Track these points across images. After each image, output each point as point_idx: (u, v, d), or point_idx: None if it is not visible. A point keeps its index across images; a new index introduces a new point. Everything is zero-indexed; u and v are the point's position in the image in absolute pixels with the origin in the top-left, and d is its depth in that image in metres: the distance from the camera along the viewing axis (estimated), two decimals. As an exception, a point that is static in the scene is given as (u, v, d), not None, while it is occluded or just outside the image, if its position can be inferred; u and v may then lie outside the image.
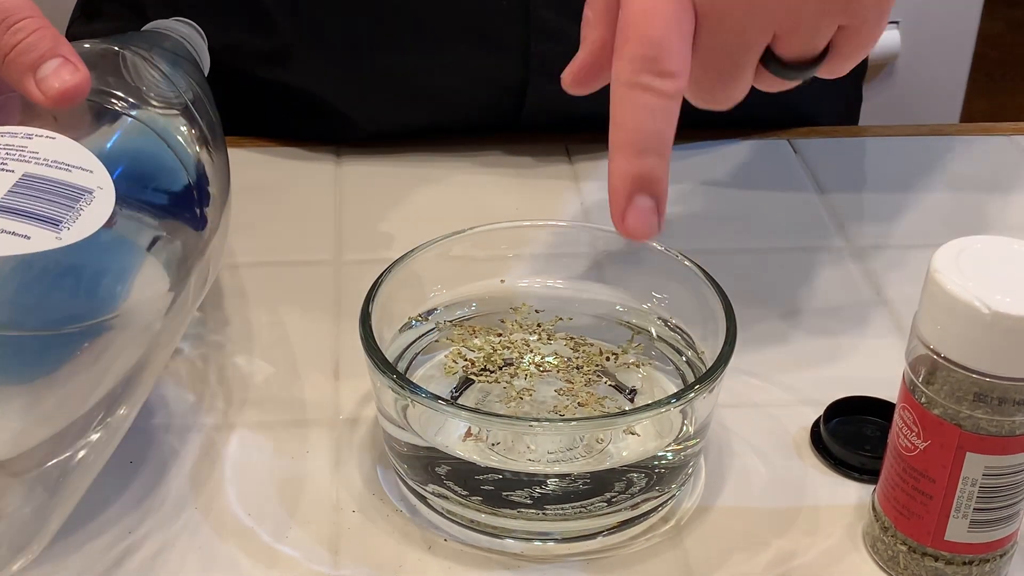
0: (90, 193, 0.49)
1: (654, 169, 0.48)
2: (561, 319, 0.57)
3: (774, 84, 0.53)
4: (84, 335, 0.47)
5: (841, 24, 0.51)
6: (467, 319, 0.57)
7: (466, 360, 0.55)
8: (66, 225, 0.47)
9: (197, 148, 0.56)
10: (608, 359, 0.55)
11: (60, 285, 0.48)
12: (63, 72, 0.51)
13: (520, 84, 0.74)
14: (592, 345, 0.56)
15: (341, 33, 0.72)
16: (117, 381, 0.48)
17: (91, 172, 0.50)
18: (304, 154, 0.75)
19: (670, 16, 0.48)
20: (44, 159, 0.50)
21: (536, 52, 0.72)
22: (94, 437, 0.47)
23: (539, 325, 0.57)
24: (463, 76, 0.73)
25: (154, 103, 0.55)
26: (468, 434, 0.50)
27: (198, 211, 0.54)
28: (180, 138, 0.55)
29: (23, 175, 0.49)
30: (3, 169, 0.49)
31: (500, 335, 0.56)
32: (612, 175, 0.48)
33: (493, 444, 0.51)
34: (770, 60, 0.51)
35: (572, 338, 0.56)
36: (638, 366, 0.55)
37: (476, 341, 0.56)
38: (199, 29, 0.63)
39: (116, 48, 0.57)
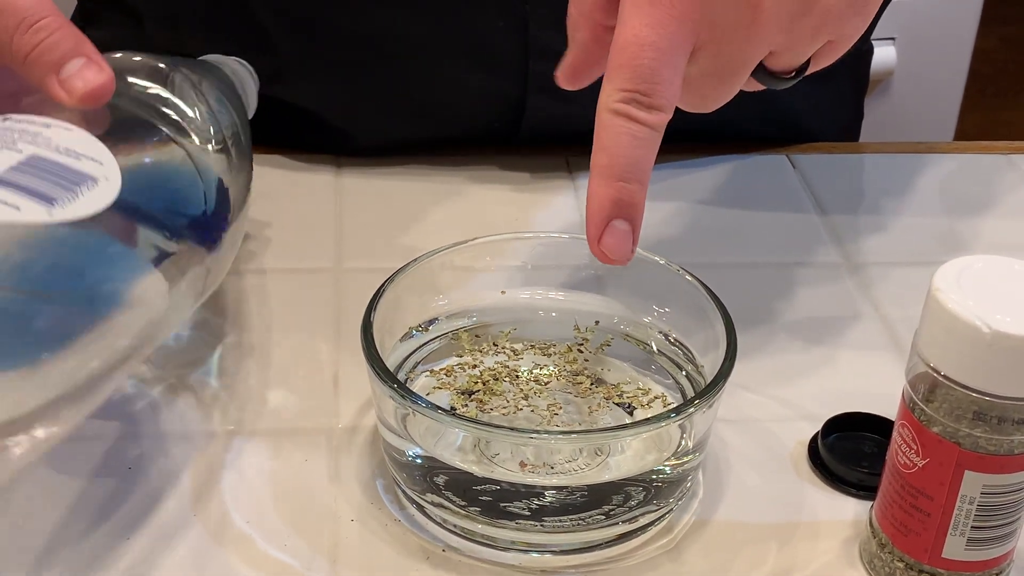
0: (93, 180, 0.49)
1: (633, 196, 0.49)
2: (581, 336, 0.57)
3: (756, 87, 0.54)
4: (77, 324, 0.47)
5: (829, 39, 0.52)
6: (468, 329, 0.57)
7: (466, 371, 0.55)
8: (60, 204, 0.47)
9: (223, 178, 0.56)
10: (613, 385, 0.55)
11: (66, 266, 0.48)
12: (87, 72, 0.51)
13: (519, 101, 0.74)
14: (607, 368, 0.56)
15: (339, 51, 0.72)
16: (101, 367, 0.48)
17: (100, 164, 0.50)
18: (305, 163, 0.75)
19: (666, 47, 0.48)
20: (56, 145, 0.49)
21: (534, 71, 0.72)
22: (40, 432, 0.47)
23: (557, 340, 0.57)
24: (462, 93, 0.74)
25: (191, 130, 0.56)
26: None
27: (213, 235, 0.55)
28: (208, 165, 0.56)
29: (30, 156, 0.49)
30: (12, 149, 0.49)
31: (501, 346, 0.56)
32: (591, 198, 0.49)
33: (492, 455, 0.51)
34: (758, 70, 0.52)
35: (574, 350, 0.57)
36: (639, 397, 0.55)
37: (476, 352, 0.56)
38: (253, 73, 0.63)
39: (166, 68, 0.57)
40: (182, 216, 0.53)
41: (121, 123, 0.54)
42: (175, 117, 0.55)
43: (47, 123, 0.50)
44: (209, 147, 0.56)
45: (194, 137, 0.56)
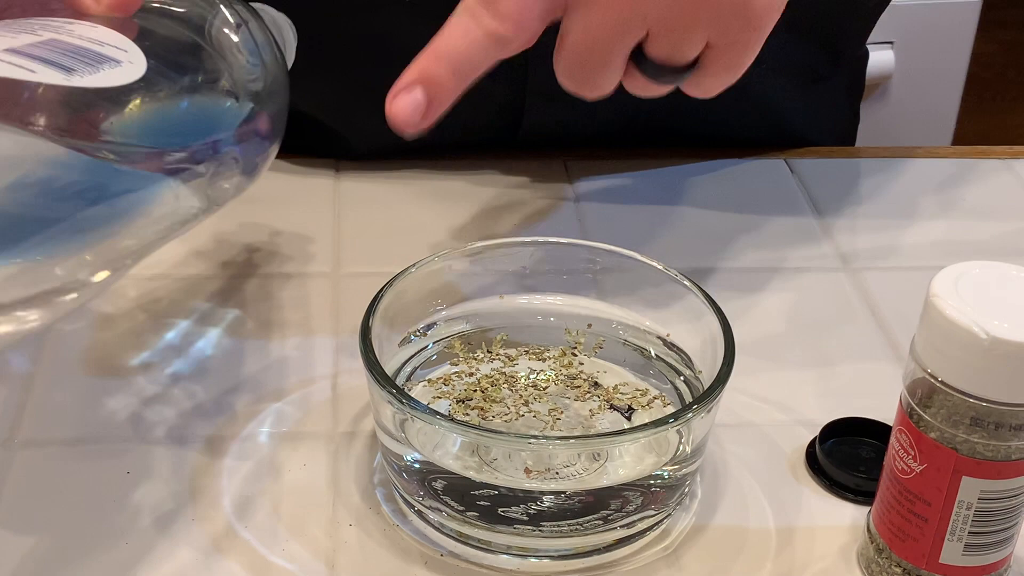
0: (116, 62, 0.47)
1: (443, 78, 0.51)
2: (582, 341, 0.57)
3: (643, 87, 0.54)
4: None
5: (709, 40, 0.52)
6: (466, 334, 0.57)
7: (463, 379, 0.55)
8: (79, 74, 0.46)
9: (253, 102, 0.54)
10: (610, 388, 0.55)
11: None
12: None
13: (517, 106, 0.74)
14: (603, 370, 0.56)
15: (337, 55, 0.72)
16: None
17: (124, 51, 0.48)
18: (303, 168, 0.75)
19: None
20: (79, 35, 0.48)
21: (533, 75, 0.72)
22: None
23: (549, 344, 0.57)
24: (460, 97, 0.74)
25: (226, 53, 0.54)
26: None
27: (236, 163, 0.53)
28: (240, 85, 0.54)
29: (50, 39, 0.47)
30: (32, 33, 0.47)
31: (495, 353, 0.56)
32: (410, 66, 0.52)
33: (491, 460, 0.51)
34: (641, 60, 0.53)
35: (568, 354, 0.57)
36: (638, 398, 0.55)
37: (471, 360, 0.56)
38: (293, 27, 0.61)
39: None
40: (202, 132, 0.52)
41: (153, 36, 0.52)
42: (211, 38, 0.54)
43: (70, 21, 0.49)
44: (241, 69, 0.54)
45: (227, 57, 0.54)
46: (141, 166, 0.49)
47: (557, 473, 0.51)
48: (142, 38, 0.51)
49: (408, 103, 0.51)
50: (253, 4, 0.60)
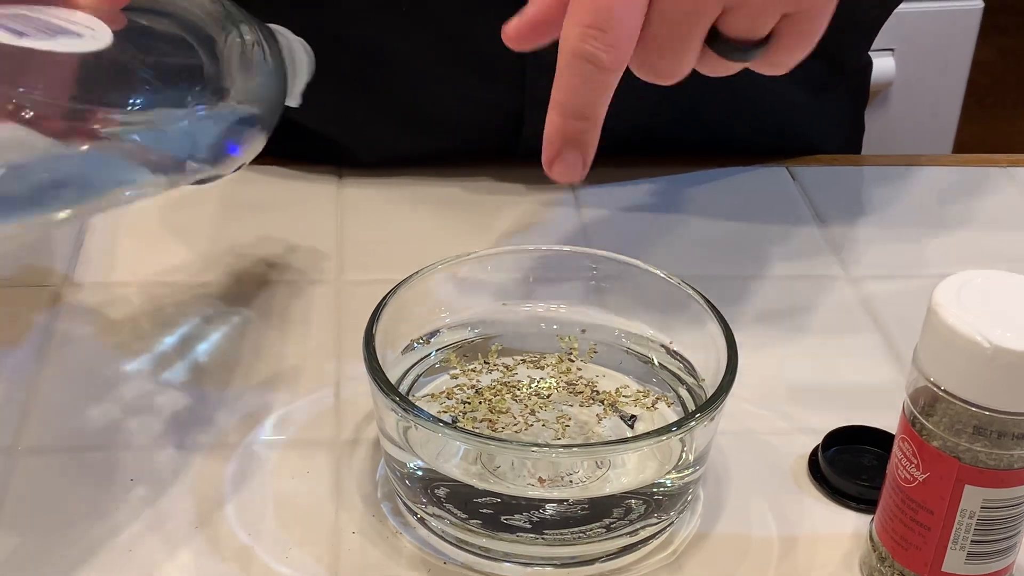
0: (78, 36, 0.47)
1: (584, 132, 0.52)
2: (576, 347, 0.57)
3: (717, 66, 0.54)
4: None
5: (786, 12, 0.52)
6: (469, 342, 0.57)
7: (465, 391, 0.55)
8: (31, 38, 0.46)
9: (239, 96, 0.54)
10: (612, 391, 0.55)
11: None
12: None
13: (517, 114, 0.74)
14: (601, 375, 0.56)
15: (339, 64, 0.72)
16: None
17: (92, 29, 0.48)
18: (306, 175, 0.75)
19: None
20: (50, 13, 0.48)
21: (532, 83, 0.72)
22: None
23: (545, 352, 0.57)
24: (461, 106, 0.74)
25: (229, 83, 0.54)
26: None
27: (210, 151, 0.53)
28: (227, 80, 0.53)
29: (14, 13, 0.47)
30: (4, 9, 0.47)
31: (492, 363, 0.56)
32: (548, 128, 0.52)
33: (494, 468, 0.51)
34: (715, 39, 0.52)
35: (565, 360, 0.57)
36: (642, 400, 0.55)
37: (470, 371, 0.56)
38: (312, 58, 0.61)
39: (226, 10, 0.55)
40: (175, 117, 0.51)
41: (148, 34, 0.52)
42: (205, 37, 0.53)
43: (49, 6, 0.49)
44: (238, 89, 0.54)
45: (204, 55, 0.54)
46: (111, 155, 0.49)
47: (571, 482, 0.51)
48: (145, 37, 0.51)
49: (567, 168, 0.53)
50: (271, 26, 0.60)
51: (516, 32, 0.54)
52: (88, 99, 0.48)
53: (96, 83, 0.48)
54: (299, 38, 0.60)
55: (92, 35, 0.48)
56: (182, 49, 0.52)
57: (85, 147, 0.47)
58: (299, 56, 0.60)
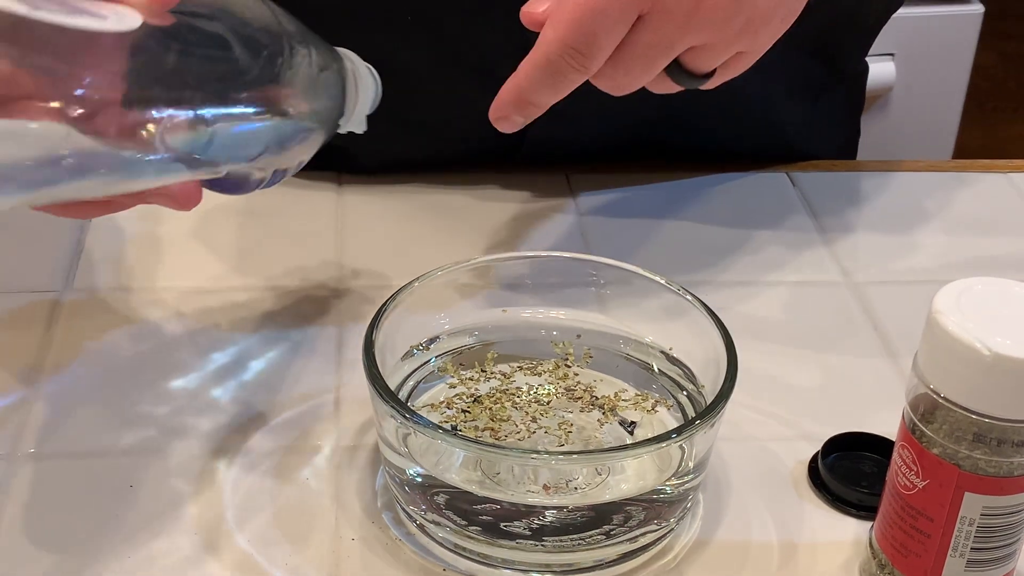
0: (102, 18, 0.47)
1: (533, 112, 0.57)
2: (571, 352, 0.57)
3: (664, 86, 0.58)
4: None
5: (741, 51, 0.57)
6: (469, 349, 0.57)
7: (464, 401, 0.55)
8: (46, 11, 0.45)
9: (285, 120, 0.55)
10: (611, 395, 0.56)
11: None
12: None
13: None
14: (597, 380, 0.56)
15: None
16: None
17: (122, 16, 0.48)
18: (306, 181, 0.75)
19: (617, 16, 0.53)
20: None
21: None
22: None
23: (541, 358, 0.57)
24: (462, 112, 0.74)
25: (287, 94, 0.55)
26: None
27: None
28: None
29: None
30: None
31: (489, 372, 0.56)
32: (505, 95, 0.57)
33: (494, 475, 0.51)
34: (673, 66, 0.56)
35: (570, 367, 0.57)
36: (641, 403, 0.55)
37: (469, 380, 0.56)
38: (379, 85, 0.62)
39: (292, 30, 0.56)
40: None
41: (203, 36, 0.52)
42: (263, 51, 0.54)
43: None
44: (296, 109, 0.55)
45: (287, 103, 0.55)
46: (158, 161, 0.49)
47: (576, 488, 0.51)
48: (199, 38, 0.51)
49: (510, 127, 0.58)
50: (339, 49, 0.60)
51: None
52: (133, 94, 0.48)
53: (142, 77, 0.48)
54: (368, 65, 0.61)
55: (118, 19, 0.48)
56: (234, 54, 0.53)
57: (123, 144, 0.48)
58: (365, 81, 0.61)
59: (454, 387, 0.56)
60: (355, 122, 0.61)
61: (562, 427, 0.54)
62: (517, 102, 0.57)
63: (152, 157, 0.49)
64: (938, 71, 1.54)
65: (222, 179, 0.54)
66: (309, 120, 0.56)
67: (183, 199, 0.52)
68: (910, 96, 1.54)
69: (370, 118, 0.75)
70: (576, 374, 0.57)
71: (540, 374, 0.56)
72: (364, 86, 0.61)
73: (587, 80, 0.56)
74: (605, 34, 0.53)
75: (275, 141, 0.55)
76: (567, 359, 0.57)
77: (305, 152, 0.58)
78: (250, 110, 0.53)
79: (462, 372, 0.56)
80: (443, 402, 0.55)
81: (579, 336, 0.58)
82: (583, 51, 0.54)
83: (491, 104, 0.57)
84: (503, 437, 0.53)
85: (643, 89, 0.57)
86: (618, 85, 0.56)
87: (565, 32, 0.53)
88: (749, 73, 0.74)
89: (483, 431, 0.53)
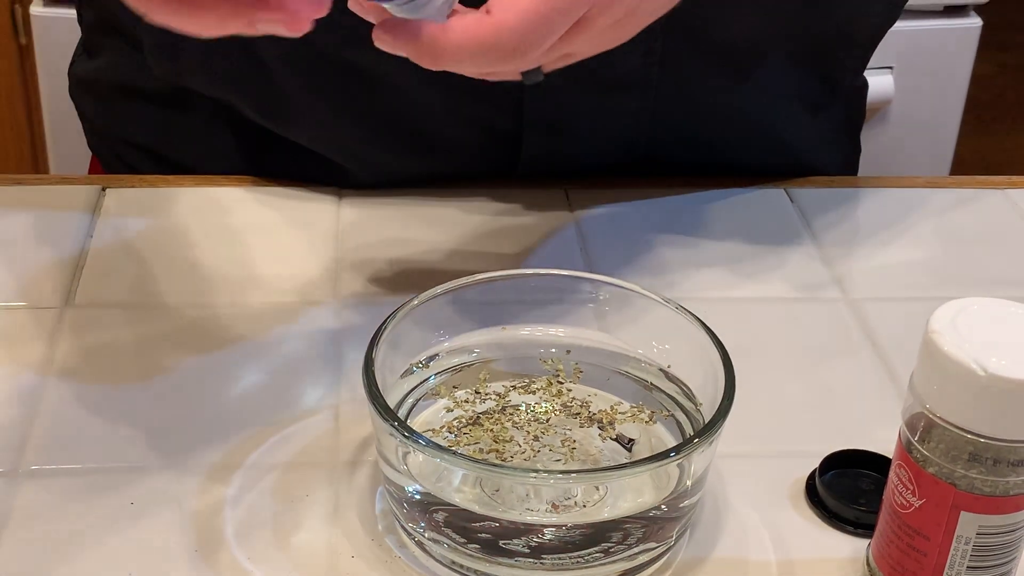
0: None
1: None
2: (561, 368, 0.58)
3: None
4: None
5: (571, 51, 0.55)
6: (468, 366, 0.58)
7: (465, 412, 0.55)
8: None
9: None
10: (608, 409, 0.56)
11: None
12: None
13: (515, 136, 0.74)
14: (591, 395, 0.56)
15: (338, 87, 0.73)
16: None
17: None
18: (305, 196, 0.75)
19: (558, 22, 0.52)
20: None
21: (529, 108, 0.73)
22: None
23: (534, 376, 0.57)
24: (459, 128, 0.74)
25: None
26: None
27: None
28: None
29: None
30: None
31: (484, 394, 0.57)
32: (425, 47, 0.54)
33: (492, 493, 0.51)
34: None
35: (559, 382, 0.57)
36: (638, 415, 0.56)
37: (464, 402, 0.56)
38: None
39: None
40: None
41: None
42: None
43: None
44: None
45: None
46: None
47: (575, 504, 0.51)
48: None
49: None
50: None
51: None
52: None
53: None
54: None
55: None
56: None
57: None
58: None
59: (451, 411, 0.56)
60: None
61: (565, 444, 0.54)
62: (437, 63, 0.55)
63: None
64: (937, 84, 1.54)
65: None
66: None
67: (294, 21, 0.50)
68: (909, 109, 1.54)
69: (369, 134, 0.75)
70: (569, 390, 0.57)
71: (534, 392, 0.57)
72: None
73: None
74: (545, 38, 0.52)
75: None
76: (558, 375, 0.57)
77: None
78: None
79: (456, 394, 0.56)
80: (444, 426, 0.55)
81: (568, 352, 0.58)
82: (521, 56, 0.53)
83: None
84: (508, 458, 0.53)
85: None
86: (507, 61, 0.54)
87: (505, 32, 0.52)
88: (748, 89, 0.75)
89: (488, 453, 0.53)
